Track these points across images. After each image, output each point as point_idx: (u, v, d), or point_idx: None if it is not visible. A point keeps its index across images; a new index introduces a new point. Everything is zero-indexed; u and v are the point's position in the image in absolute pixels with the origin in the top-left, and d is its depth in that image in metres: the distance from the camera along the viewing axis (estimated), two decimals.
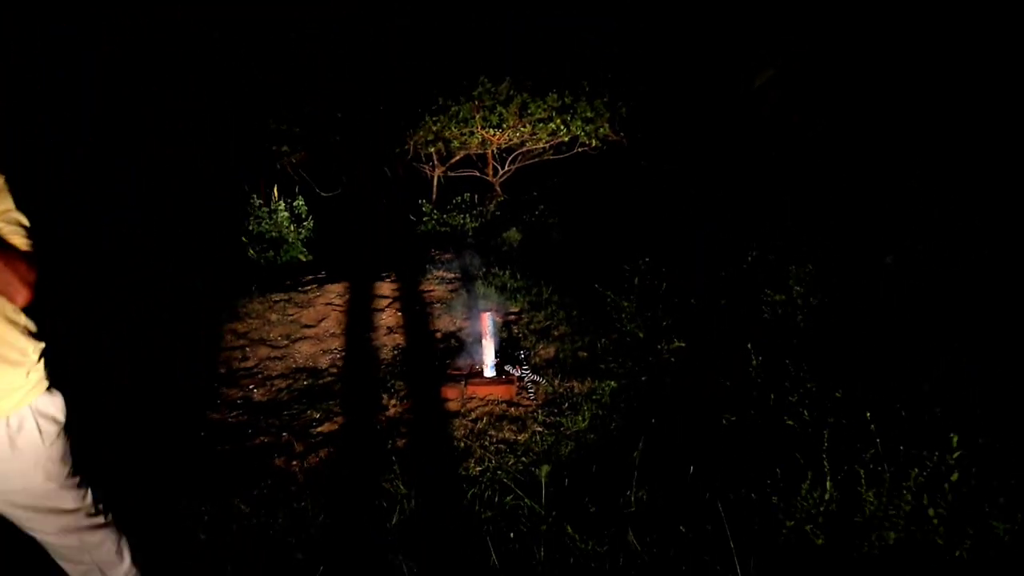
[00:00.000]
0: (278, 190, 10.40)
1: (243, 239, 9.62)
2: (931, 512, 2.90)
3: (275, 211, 9.87)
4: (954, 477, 2.99)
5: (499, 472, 3.82)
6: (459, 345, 5.71)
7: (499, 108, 10.87)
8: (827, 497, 3.07)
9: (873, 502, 2.98)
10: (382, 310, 6.66)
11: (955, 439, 2.99)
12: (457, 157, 12.49)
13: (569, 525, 3.20)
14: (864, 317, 5.36)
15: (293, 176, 12.94)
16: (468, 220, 10.84)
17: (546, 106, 10.99)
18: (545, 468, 3.56)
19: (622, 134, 12.14)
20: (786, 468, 3.33)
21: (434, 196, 12.46)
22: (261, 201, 10.29)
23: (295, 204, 10.16)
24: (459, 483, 3.73)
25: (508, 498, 3.55)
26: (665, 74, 11.76)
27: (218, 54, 11.59)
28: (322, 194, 13.05)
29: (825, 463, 3.13)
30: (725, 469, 3.57)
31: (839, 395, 3.79)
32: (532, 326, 6.14)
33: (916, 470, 2.95)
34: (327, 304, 6.81)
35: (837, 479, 3.15)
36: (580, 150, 12.43)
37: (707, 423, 4.15)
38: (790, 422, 3.70)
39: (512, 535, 3.26)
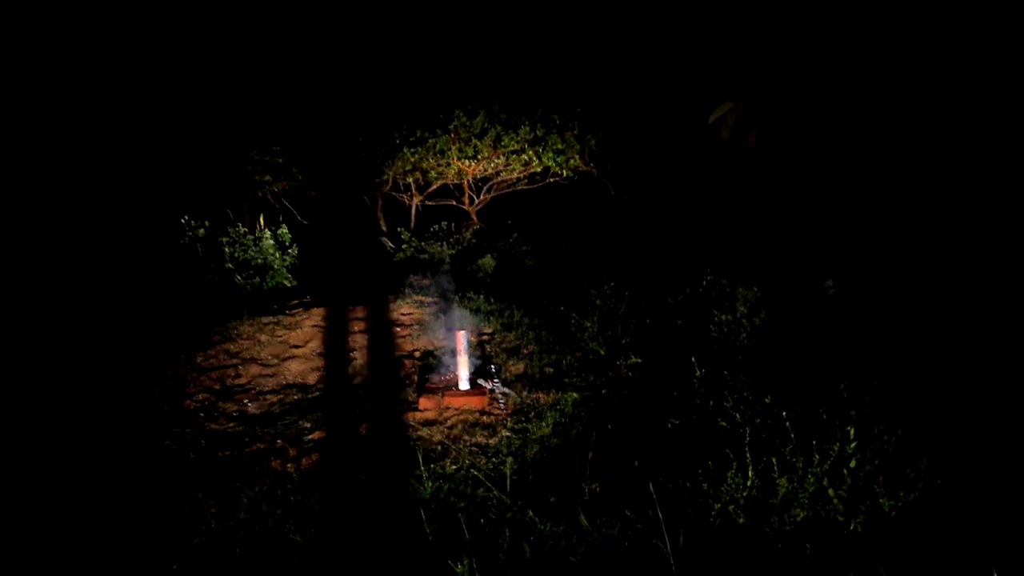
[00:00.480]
0: (263, 219, 10.89)
1: (229, 265, 10.09)
2: (831, 492, 3.48)
3: (260, 239, 10.35)
4: (852, 464, 3.57)
5: (472, 470, 4.36)
6: (436, 362, 6.24)
7: (474, 141, 11.48)
8: (748, 483, 3.63)
9: (785, 486, 3.55)
10: (364, 331, 7.18)
11: (852, 431, 3.58)
12: (434, 187, 13.08)
13: (531, 511, 3.74)
14: (798, 334, 5.98)
15: (274, 204, 13.47)
16: (445, 247, 11.39)
17: (519, 139, 11.61)
18: (510, 460, 4.10)
19: (592, 165, 12.80)
20: (717, 461, 3.89)
21: (412, 224, 13.02)
22: (246, 229, 10.77)
23: (279, 232, 10.66)
24: (436, 479, 4.26)
25: (480, 490, 4.09)
26: (631, 109, 12.43)
27: (201, 86, 12.12)
28: (303, 222, 13.59)
29: (748, 455, 3.70)
30: (666, 464, 4.13)
31: (768, 400, 4.35)
32: (504, 345, 6.69)
33: (818, 457, 3.53)
34: (313, 326, 7.32)
35: (757, 469, 3.71)
36: (552, 180, 13.07)
37: (655, 427, 4.71)
38: (723, 423, 4.27)
39: (482, 520, 3.79)
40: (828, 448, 3.70)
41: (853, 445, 3.59)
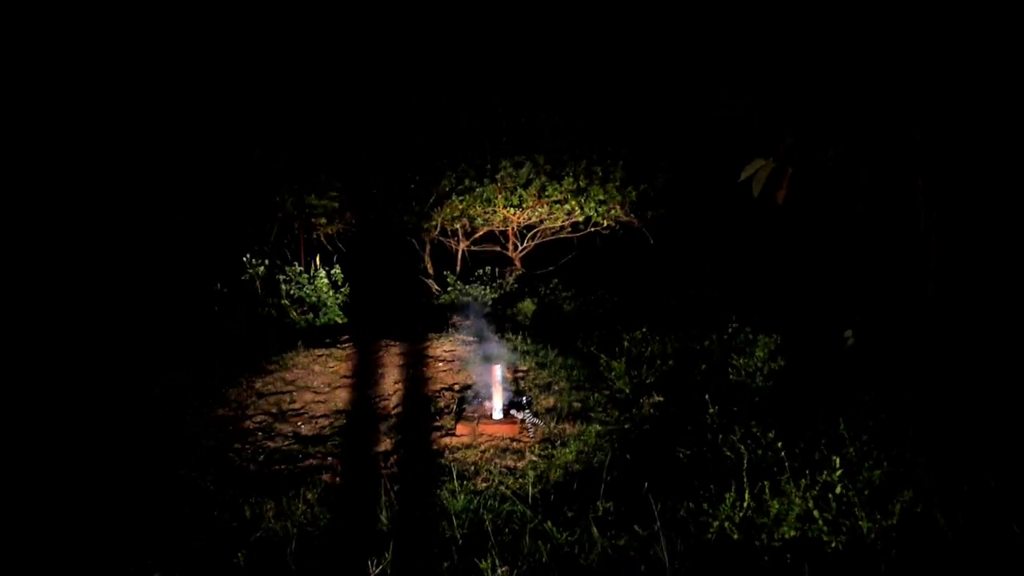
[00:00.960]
0: (319, 259, 11.61)
1: (285, 302, 10.79)
2: (816, 514, 3.91)
3: (314, 277, 11.06)
4: (838, 490, 4.00)
5: (500, 487, 4.86)
6: (473, 394, 6.77)
7: (519, 190, 12.13)
8: (744, 505, 4.07)
9: (776, 508, 3.99)
10: (409, 365, 7.75)
11: (837, 461, 4.02)
12: (480, 233, 13.76)
13: (549, 522, 4.22)
14: (812, 378, 6.40)
15: (327, 246, 14.26)
16: (488, 291, 11.97)
17: (562, 189, 12.23)
18: (533, 479, 4.59)
19: (632, 215, 13.36)
20: (719, 486, 4.34)
21: (458, 268, 13.67)
22: (301, 268, 11.49)
23: (332, 272, 11.36)
24: (468, 493, 4.76)
25: (506, 505, 4.59)
26: (671, 163, 12.99)
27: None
28: (355, 264, 14.32)
29: (745, 480, 4.14)
30: (674, 488, 4.59)
31: (771, 435, 4.79)
32: (537, 381, 7.20)
33: (805, 483, 3.96)
34: (363, 359, 7.91)
35: (753, 493, 4.15)
36: (594, 229, 13.66)
37: (668, 457, 5.16)
38: (729, 454, 4.71)
39: (507, 530, 4.28)
40: (818, 477, 4.13)
41: (839, 473, 4.02)
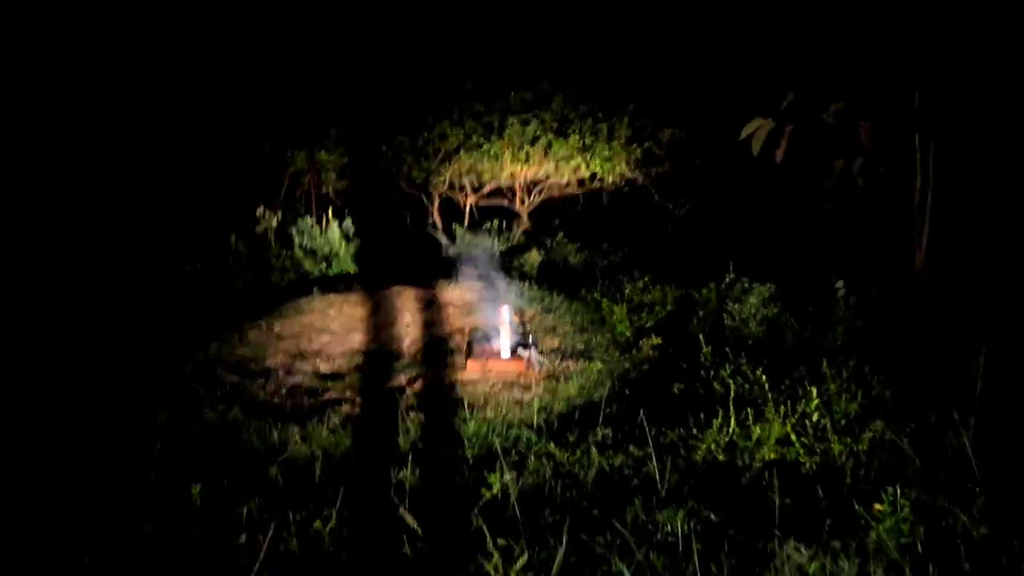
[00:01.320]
0: (332, 211, 11.95)
1: (299, 253, 11.15)
2: (794, 439, 4.31)
3: (327, 229, 11.42)
4: (814, 418, 4.40)
5: (508, 416, 5.28)
6: (482, 335, 7.17)
7: (526, 147, 12.43)
8: (729, 430, 4.48)
9: (758, 432, 4.40)
10: (421, 310, 8.15)
11: (814, 392, 4.42)
12: (488, 188, 14.08)
13: (553, 445, 4.64)
14: (801, 323, 6.79)
15: (336, 201, 14.62)
16: (496, 243, 12.33)
17: (568, 146, 12.53)
18: (538, 407, 5.01)
19: (637, 172, 13.67)
20: (708, 415, 4.74)
21: (466, 222, 14.02)
22: (313, 221, 11.84)
23: (344, 224, 11.71)
24: (480, 422, 5.18)
25: (513, 431, 5.01)
26: (674, 122, 13.24)
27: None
28: (366, 217, 14.69)
29: (731, 409, 4.55)
30: (667, 418, 5.00)
31: (759, 372, 5.17)
32: (542, 325, 7.60)
33: (785, 410, 4.37)
34: (376, 304, 8.32)
35: (739, 420, 4.55)
36: (599, 185, 13.98)
37: (663, 392, 5.57)
38: (718, 388, 5.11)
39: (514, 451, 4.70)
40: (798, 407, 4.53)
41: (815, 403, 4.43)
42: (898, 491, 3.44)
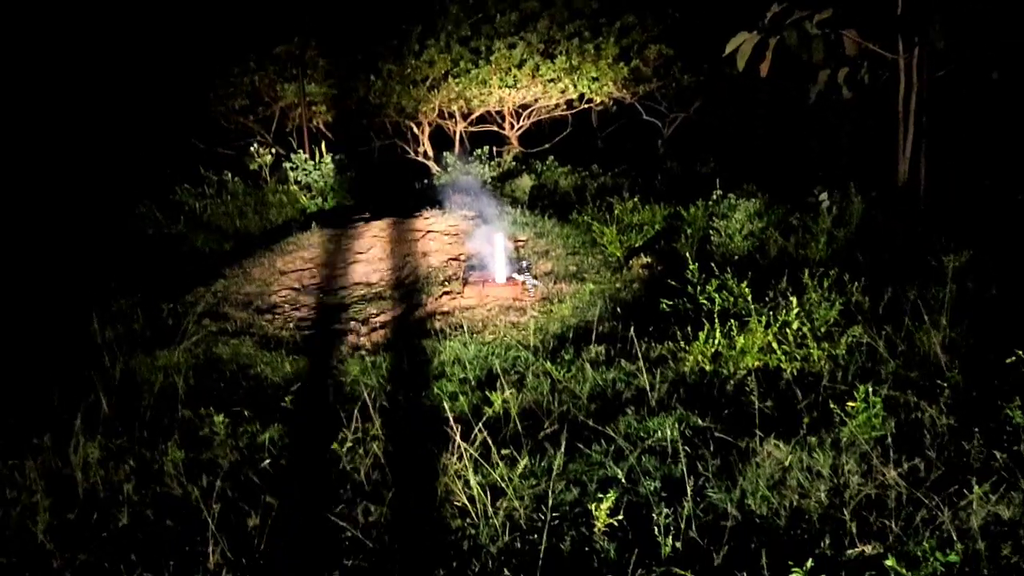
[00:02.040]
0: (325, 146, 12.04)
1: (294, 187, 11.28)
2: (775, 346, 4.59)
3: (320, 164, 11.53)
4: (795, 326, 4.66)
5: (506, 338, 5.56)
6: (478, 262, 7.40)
7: (514, 71, 12.44)
8: (715, 341, 4.75)
9: (742, 342, 4.66)
10: (417, 240, 8.36)
11: (794, 301, 4.68)
12: (476, 114, 14.12)
13: (549, 363, 4.92)
14: (786, 235, 7.03)
15: (326, 133, 14.67)
16: (487, 170, 12.44)
17: (556, 68, 12.53)
18: (534, 328, 5.28)
19: (625, 91, 13.70)
20: (695, 328, 5.00)
21: (456, 149, 14.10)
22: (306, 156, 11.93)
23: (338, 158, 11.82)
24: (479, 345, 5.46)
25: (511, 352, 5.29)
26: (662, 38, 13.19)
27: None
28: (358, 149, 14.78)
29: (716, 321, 4.81)
30: (656, 333, 5.28)
31: (745, 285, 5.41)
32: (535, 249, 7.82)
33: (767, 319, 4.63)
34: (373, 236, 8.52)
35: (724, 332, 4.82)
36: (587, 105, 14.02)
37: (652, 309, 5.83)
38: (704, 302, 5.36)
39: (512, 371, 4.98)
40: (779, 316, 4.79)
41: (795, 312, 4.69)
42: (871, 389, 3.72)
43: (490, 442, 3.56)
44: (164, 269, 8.11)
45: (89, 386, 4.76)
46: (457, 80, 12.61)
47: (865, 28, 8.72)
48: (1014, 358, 3.78)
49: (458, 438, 3.46)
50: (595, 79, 12.86)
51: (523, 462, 3.45)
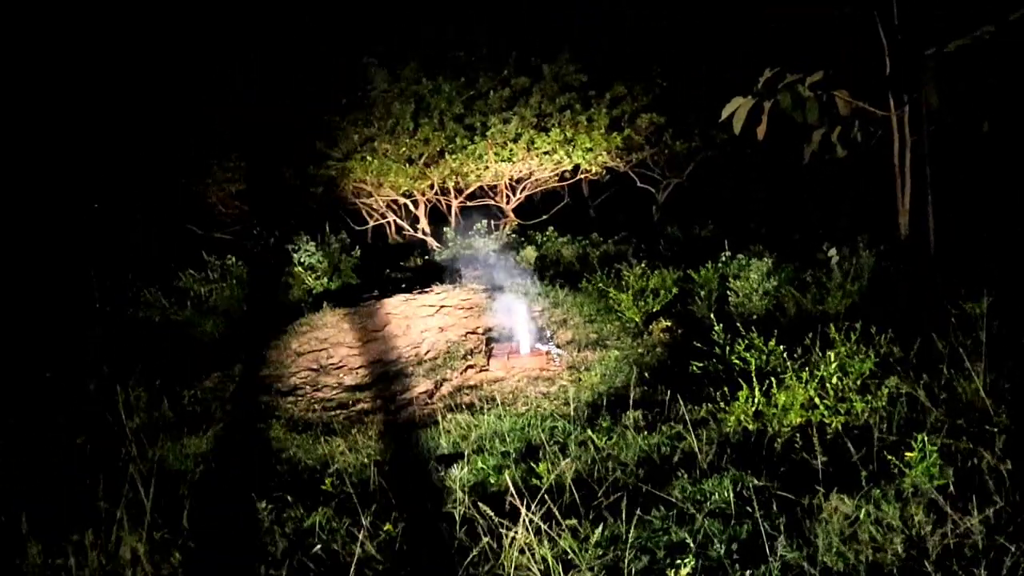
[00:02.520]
0: (328, 227, 12.14)
1: (298, 269, 11.31)
2: (817, 401, 4.59)
3: (324, 244, 11.60)
4: (834, 380, 4.68)
5: (539, 408, 5.53)
6: (497, 335, 7.41)
7: (510, 144, 12.66)
8: (755, 400, 4.75)
9: (783, 399, 4.67)
10: (432, 315, 8.36)
11: (832, 355, 4.70)
12: (471, 188, 14.31)
13: (590, 431, 4.89)
14: (802, 292, 7.09)
15: (322, 213, 14.79)
16: (488, 243, 12.55)
17: (550, 140, 12.76)
18: (566, 394, 5.26)
19: (618, 160, 13.96)
20: (732, 389, 5.00)
21: (453, 224, 14.23)
22: (308, 237, 12.01)
23: (340, 237, 11.91)
24: (513, 417, 5.43)
25: (547, 422, 5.25)
26: (656, 107, 13.49)
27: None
28: (356, 228, 14.89)
29: (754, 380, 4.81)
30: (692, 395, 5.27)
31: (772, 343, 5.44)
32: (552, 319, 7.85)
33: (805, 375, 4.64)
34: (387, 314, 8.52)
35: (762, 390, 4.82)
36: (582, 176, 14.26)
37: (682, 372, 5.83)
38: (736, 362, 5.38)
39: (553, 441, 4.94)
40: (816, 372, 4.81)
41: (834, 366, 4.71)
42: (925, 439, 3.72)
43: (555, 511, 3.51)
44: (178, 355, 8.05)
45: (122, 477, 4.68)
46: (454, 156, 12.80)
47: (856, 88, 8.98)
48: None
49: (523, 510, 3.41)
50: (589, 149, 13.10)
51: (597, 531, 3.40)
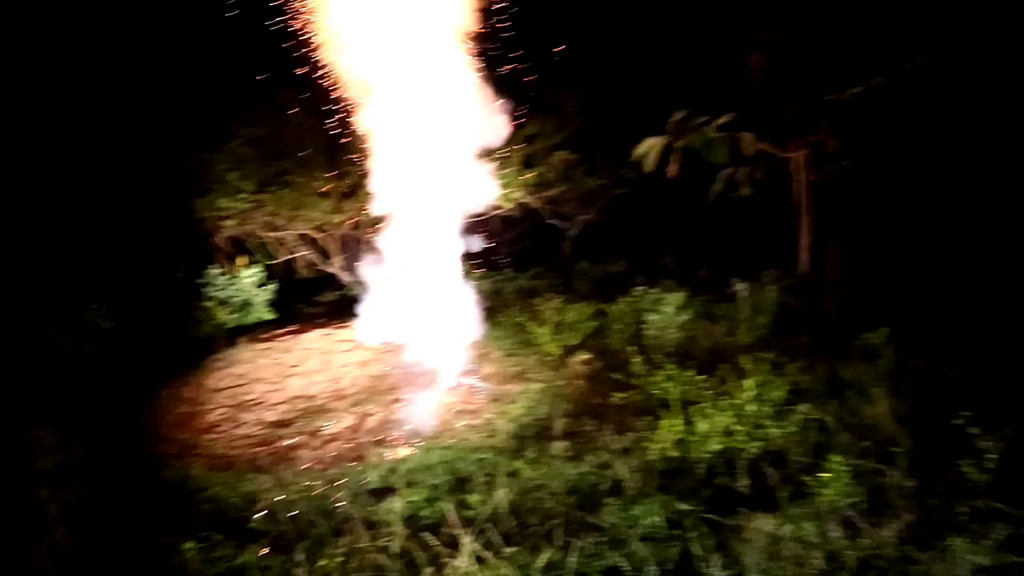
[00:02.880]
0: (247, 260, 11.90)
1: (209, 304, 11.04)
2: (737, 428, 4.82)
3: (237, 278, 11.37)
4: (749, 408, 4.92)
5: (466, 441, 5.59)
6: (418, 370, 7.42)
7: None
8: (678, 429, 4.94)
9: (704, 427, 4.87)
10: (350, 350, 8.34)
11: (748, 384, 4.95)
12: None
13: (519, 463, 4.98)
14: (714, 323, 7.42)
15: (232, 248, 14.49)
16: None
17: None
18: (492, 427, 5.36)
19: (531, 196, 14.22)
20: (654, 418, 5.18)
21: (368, 260, 14.15)
22: (222, 270, 11.76)
23: (254, 271, 11.69)
24: (441, 449, 5.47)
25: (475, 454, 5.32)
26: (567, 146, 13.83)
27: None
28: (270, 262, 14.63)
29: (675, 409, 5.01)
30: (615, 425, 5.44)
31: (692, 373, 5.66)
32: (473, 353, 7.92)
33: (724, 403, 4.87)
34: (305, 348, 8.45)
35: (684, 419, 5.02)
36: (496, 211, 14.44)
37: (603, 403, 6.00)
38: (656, 392, 5.58)
39: (482, 473, 5.01)
40: (733, 400, 5.05)
41: (752, 394, 4.96)
42: (838, 460, 3.97)
43: (495, 540, 3.58)
44: (88, 393, 7.75)
45: (39, 522, 4.51)
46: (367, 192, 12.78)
47: (760, 131, 9.52)
48: (961, 419, 4.10)
49: (466, 539, 3.47)
50: (504, 186, 13.29)
51: (538, 558, 3.48)
